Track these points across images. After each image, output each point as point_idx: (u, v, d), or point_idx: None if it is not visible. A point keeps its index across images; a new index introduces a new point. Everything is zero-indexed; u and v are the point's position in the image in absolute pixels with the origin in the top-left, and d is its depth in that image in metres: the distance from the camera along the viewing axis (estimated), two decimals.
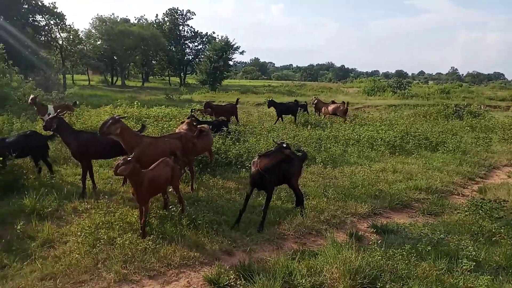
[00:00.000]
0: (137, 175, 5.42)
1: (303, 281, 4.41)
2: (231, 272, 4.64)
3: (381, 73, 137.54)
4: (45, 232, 5.65)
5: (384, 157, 11.23)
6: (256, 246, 5.55)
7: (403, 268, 4.76)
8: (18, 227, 5.63)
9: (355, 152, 11.46)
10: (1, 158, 6.92)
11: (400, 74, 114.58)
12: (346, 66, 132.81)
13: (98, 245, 5.22)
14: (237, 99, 18.10)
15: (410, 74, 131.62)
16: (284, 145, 6.35)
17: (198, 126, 8.31)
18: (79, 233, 5.52)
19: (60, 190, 7.12)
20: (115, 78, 53.13)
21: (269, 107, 18.36)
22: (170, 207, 6.20)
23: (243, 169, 9.00)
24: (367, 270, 4.50)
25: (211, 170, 8.76)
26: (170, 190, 6.65)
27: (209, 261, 5.08)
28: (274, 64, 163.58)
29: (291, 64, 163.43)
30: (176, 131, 8.23)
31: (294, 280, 4.49)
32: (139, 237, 5.42)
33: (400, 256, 4.91)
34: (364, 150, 11.77)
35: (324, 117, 17.94)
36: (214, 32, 78.42)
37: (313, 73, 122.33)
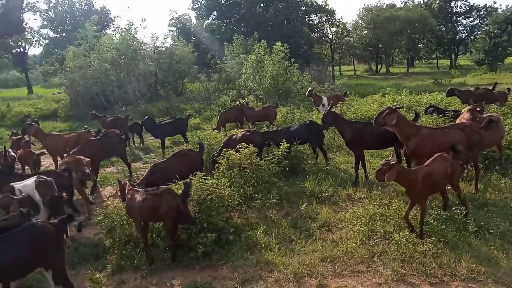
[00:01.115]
0: (405, 177, 5.01)
1: None
2: None
3: None
4: (323, 215, 6.09)
5: None
6: None
7: None
8: (302, 208, 6.35)
9: None
10: (288, 145, 7.92)
11: None
12: None
13: (373, 237, 5.18)
14: (495, 83, 13.61)
15: None
16: None
17: (479, 116, 7.03)
18: (354, 222, 5.65)
19: (334, 177, 7.57)
20: (379, 66, 53.32)
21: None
22: (453, 209, 5.45)
23: None
24: None
25: (500, 168, 7.24)
26: (448, 187, 5.87)
27: (506, 281, 4.16)
28: None
29: None
30: (457, 121, 7.26)
31: None
32: (416, 237, 5.02)
33: None
34: None
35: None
36: (495, 2, 66.27)
37: None
